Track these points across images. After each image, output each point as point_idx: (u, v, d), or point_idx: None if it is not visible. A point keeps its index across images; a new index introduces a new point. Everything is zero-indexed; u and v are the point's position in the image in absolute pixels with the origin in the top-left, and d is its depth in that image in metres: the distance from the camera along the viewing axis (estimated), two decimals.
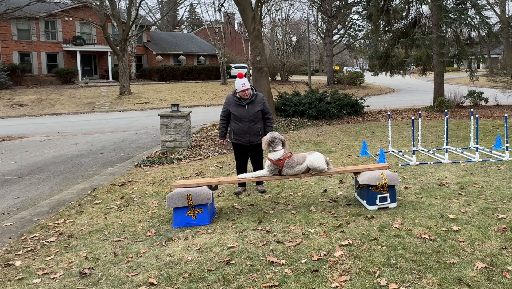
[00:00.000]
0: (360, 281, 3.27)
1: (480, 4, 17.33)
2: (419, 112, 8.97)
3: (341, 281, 3.27)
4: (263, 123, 5.96)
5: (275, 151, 5.06)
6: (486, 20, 16.83)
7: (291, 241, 4.10)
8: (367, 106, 16.83)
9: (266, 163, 5.14)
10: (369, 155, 8.26)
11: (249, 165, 6.35)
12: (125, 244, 4.33)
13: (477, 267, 3.40)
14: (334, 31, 37.93)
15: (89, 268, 3.77)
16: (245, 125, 5.81)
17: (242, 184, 6.09)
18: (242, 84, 5.69)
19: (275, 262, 3.66)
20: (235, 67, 41.75)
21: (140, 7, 32.15)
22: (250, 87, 5.77)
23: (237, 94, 5.81)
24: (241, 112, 5.80)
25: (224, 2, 35.24)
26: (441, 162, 7.36)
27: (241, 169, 6.11)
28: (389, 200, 4.96)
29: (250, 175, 5.21)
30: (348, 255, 3.72)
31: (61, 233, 4.83)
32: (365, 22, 31.59)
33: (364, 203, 5.07)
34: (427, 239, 3.99)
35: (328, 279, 3.33)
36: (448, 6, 16.90)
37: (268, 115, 5.97)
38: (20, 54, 33.12)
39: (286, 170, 5.06)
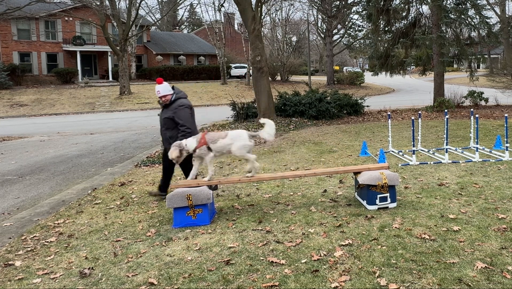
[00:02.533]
0: (360, 281, 3.27)
1: (480, 4, 17.32)
2: (419, 112, 8.97)
3: (341, 281, 3.27)
4: (177, 134, 5.56)
5: (185, 145, 4.98)
6: (486, 20, 16.82)
7: (291, 241, 4.10)
8: (367, 106, 16.82)
9: (196, 152, 5.03)
10: (369, 155, 8.26)
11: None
12: (125, 244, 4.34)
13: (477, 267, 3.40)
14: (334, 31, 37.94)
15: (89, 268, 3.77)
16: (160, 129, 5.82)
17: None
18: (157, 91, 5.58)
19: (275, 262, 3.66)
20: (235, 67, 41.77)
21: (140, 7, 32.18)
22: (167, 94, 5.57)
23: None
24: (159, 116, 5.86)
25: (224, 2, 35.25)
26: (441, 162, 7.36)
27: (183, 169, 5.89)
28: (389, 200, 4.96)
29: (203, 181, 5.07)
30: (348, 255, 3.72)
31: (61, 233, 4.83)
32: (365, 22, 31.60)
33: (364, 203, 5.08)
34: (427, 239, 3.99)
35: (328, 279, 3.33)
36: (448, 6, 16.90)
37: (179, 126, 5.53)
38: (20, 54, 33.13)
39: (213, 145, 4.98)
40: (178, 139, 5.40)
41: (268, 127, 5.15)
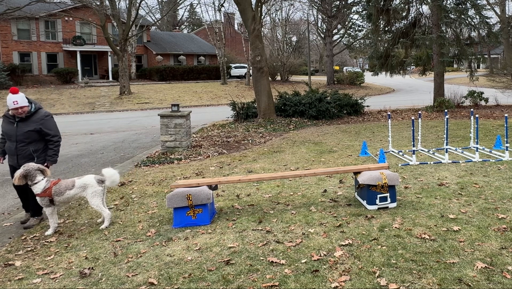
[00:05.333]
0: (360, 281, 3.28)
1: (480, 4, 17.34)
2: (419, 112, 8.98)
3: (341, 281, 3.27)
4: (46, 146, 5.20)
5: (35, 183, 4.72)
6: (486, 20, 16.83)
7: (291, 241, 4.10)
8: (367, 106, 16.83)
9: (37, 200, 4.80)
10: (369, 155, 8.26)
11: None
12: (125, 244, 4.34)
13: (477, 267, 3.40)
14: (334, 31, 37.93)
15: (89, 268, 3.77)
16: (13, 145, 5.11)
17: (27, 210, 5.43)
18: (14, 101, 4.94)
19: (275, 262, 3.66)
20: (235, 67, 41.77)
21: (140, 7, 32.18)
22: (26, 105, 5.04)
23: (9, 111, 5.12)
24: (9, 130, 5.13)
25: (224, 2, 35.25)
26: (441, 162, 7.36)
27: (22, 197, 5.40)
28: (389, 199, 4.96)
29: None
30: (348, 255, 3.72)
31: (61, 233, 4.83)
32: (365, 22, 31.64)
33: (364, 203, 5.08)
34: (427, 239, 3.99)
35: (328, 279, 3.33)
36: (448, 6, 16.90)
37: (50, 137, 5.16)
38: (20, 54, 33.10)
39: (57, 198, 4.77)
40: (51, 152, 5.16)
41: (109, 177, 4.99)
